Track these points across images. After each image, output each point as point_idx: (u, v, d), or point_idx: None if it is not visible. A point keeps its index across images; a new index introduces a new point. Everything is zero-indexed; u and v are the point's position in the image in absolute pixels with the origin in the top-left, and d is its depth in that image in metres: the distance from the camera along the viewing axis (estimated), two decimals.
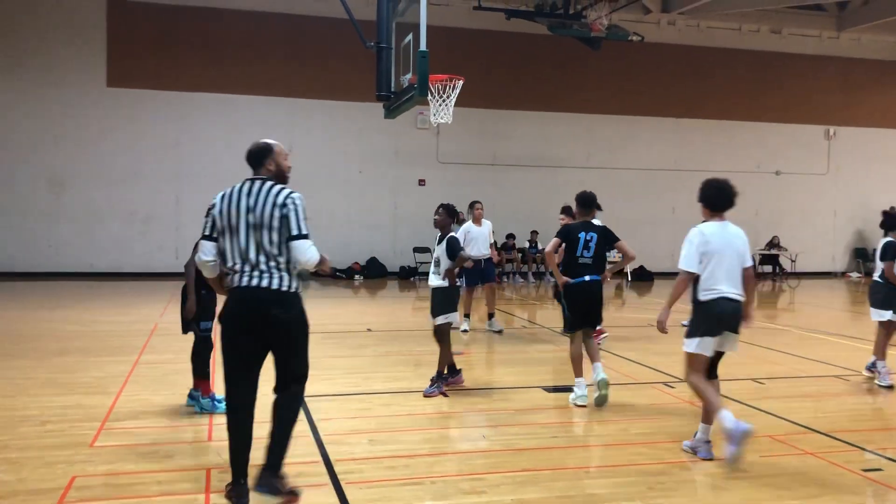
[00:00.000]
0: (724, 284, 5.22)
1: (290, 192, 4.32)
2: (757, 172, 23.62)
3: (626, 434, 5.98)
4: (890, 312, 7.86)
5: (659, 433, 6.01)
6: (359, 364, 8.63)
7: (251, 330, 4.28)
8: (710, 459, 5.28)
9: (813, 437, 5.94)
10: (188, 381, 6.82)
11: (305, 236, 4.28)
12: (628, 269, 21.44)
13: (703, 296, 5.24)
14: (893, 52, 24.48)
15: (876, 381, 7.95)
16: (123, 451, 5.33)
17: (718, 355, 5.42)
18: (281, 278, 4.28)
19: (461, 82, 10.01)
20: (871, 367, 8.15)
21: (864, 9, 22.69)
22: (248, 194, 4.34)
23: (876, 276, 8.04)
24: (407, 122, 19.27)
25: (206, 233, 4.42)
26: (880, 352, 7.96)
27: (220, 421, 6.05)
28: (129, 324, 11.47)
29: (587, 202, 7.16)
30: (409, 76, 8.50)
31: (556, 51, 20.57)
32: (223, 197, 4.40)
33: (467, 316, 11.26)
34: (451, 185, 20.67)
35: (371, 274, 20.39)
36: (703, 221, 5.47)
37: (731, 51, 23.08)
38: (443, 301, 7.16)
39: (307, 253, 4.27)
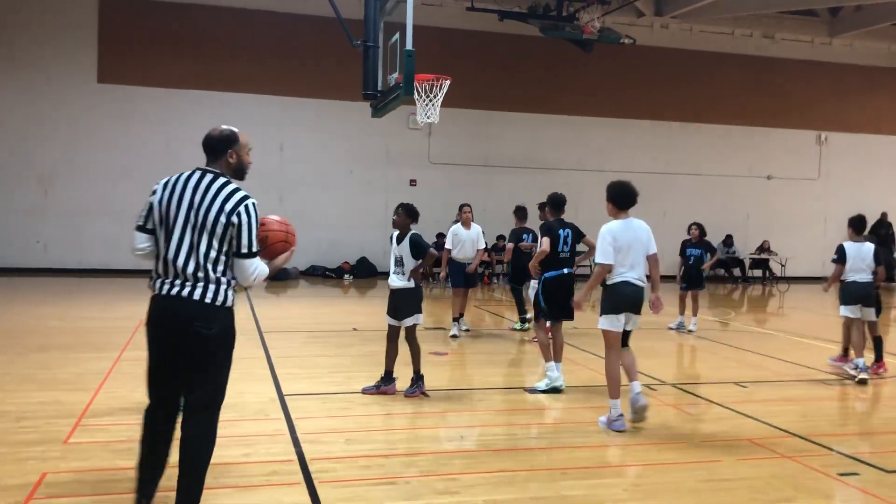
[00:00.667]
0: (628, 272, 6.14)
1: (244, 198, 3.80)
2: (748, 177, 23.66)
3: (606, 436, 5.96)
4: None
5: (638, 436, 5.99)
6: (342, 363, 8.59)
7: (170, 345, 3.84)
8: (623, 431, 5.99)
9: (792, 441, 5.93)
10: None
11: (254, 254, 3.83)
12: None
13: (610, 280, 6.19)
14: (885, 58, 24.55)
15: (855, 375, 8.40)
16: (97, 447, 5.29)
17: (627, 331, 6.29)
18: (209, 289, 3.77)
19: (448, 82, 9.99)
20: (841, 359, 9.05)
21: (857, 15, 22.74)
22: (196, 189, 3.82)
23: (856, 278, 8.83)
24: (398, 122, 19.25)
25: (140, 223, 3.90)
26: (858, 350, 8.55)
27: None
28: (114, 320, 11.41)
29: (560, 203, 7.81)
30: (395, 75, 8.47)
31: (549, 53, 20.56)
32: (166, 185, 3.88)
33: (460, 317, 10.90)
34: (443, 185, 20.67)
35: (361, 273, 20.35)
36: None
37: (724, 55, 23.11)
38: (409, 302, 6.99)
39: (253, 275, 3.86)
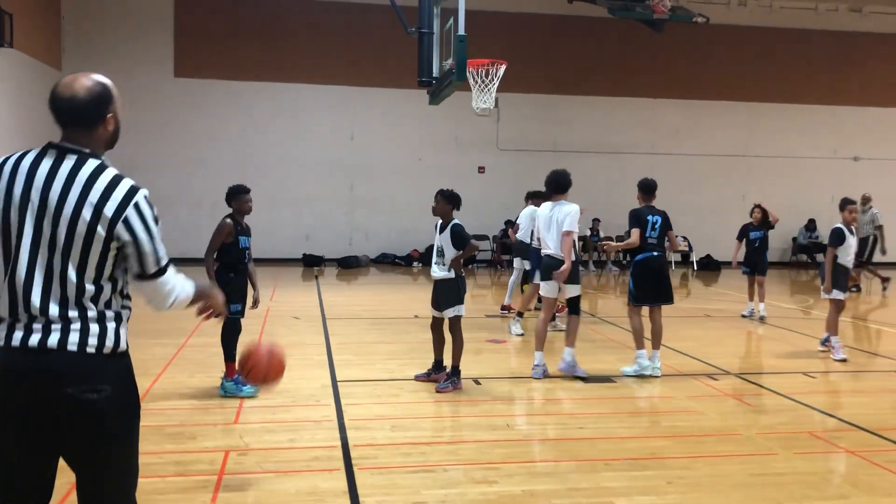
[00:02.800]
0: (548, 246, 7.38)
1: (132, 192, 2.48)
2: (833, 158, 22.61)
3: (656, 427, 5.81)
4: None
5: (691, 427, 5.81)
6: (398, 350, 8.63)
7: (31, 428, 2.45)
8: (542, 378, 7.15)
9: (857, 435, 5.64)
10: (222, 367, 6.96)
11: (164, 269, 2.58)
12: (694, 258, 20.91)
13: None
14: None
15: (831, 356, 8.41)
16: (149, 431, 5.43)
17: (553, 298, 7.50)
18: (88, 333, 2.48)
19: (503, 67, 9.83)
20: (825, 342, 8.73)
21: None
22: (51, 180, 2.44)
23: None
24: (466, 108, 19.10)
25: None
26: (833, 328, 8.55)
27: (249, 404, 6.17)
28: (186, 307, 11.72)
29: (651, 188, 7.84)
30: (449, 61, 8.41)
31: (619, 34, 20.08)
32: (0, 171, 2.49)
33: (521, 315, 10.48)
34: (511, 172, 20.48)
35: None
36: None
37: (807, 31, 22.09)
38: (450, 293, 6.86)
39: (169, 299, 2.63)
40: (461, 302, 6.85)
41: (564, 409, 6.35)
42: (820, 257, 22.20)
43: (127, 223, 2.47)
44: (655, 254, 7.59)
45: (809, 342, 9.71)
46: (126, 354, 2.65)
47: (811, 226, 22.04)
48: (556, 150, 20.96)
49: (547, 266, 7.38)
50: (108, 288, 2.54)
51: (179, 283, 2.66)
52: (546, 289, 7.47)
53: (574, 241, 7.37)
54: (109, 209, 2.44)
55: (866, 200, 17.21)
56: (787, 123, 22.22)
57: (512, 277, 11.62)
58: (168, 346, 8.45)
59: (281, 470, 4.70)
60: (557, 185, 7.52)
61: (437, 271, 6.96)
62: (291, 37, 19.78)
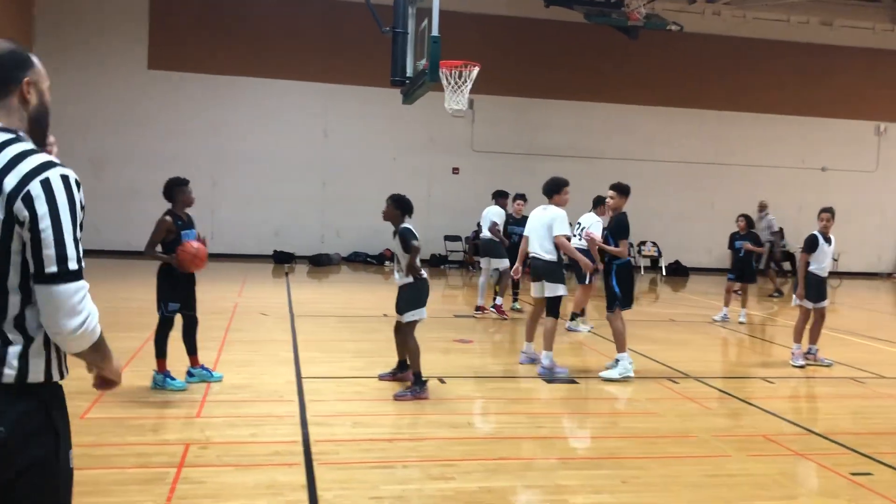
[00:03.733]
0: (534, 248, 7.78)
1: (46, 163, 2.04)
2: (802, 168, 22.99)
3: (614, 428, 5.91)
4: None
5: (648, 428, 5.92)
6: (366, 349, 8.65)
7: None
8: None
9: (809, 439, 5.79)
10: (186, 361, 6.98)
11: (71, 275, 1.99)
12: (663, 263, 21.14)
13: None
14: None
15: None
16: (112, 423, 5.45)
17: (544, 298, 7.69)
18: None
19: (476, 69, 9.91)
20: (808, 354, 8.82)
21: None
22: None
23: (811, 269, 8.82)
24: (441, 109, 19.21)
25: None
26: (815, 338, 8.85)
27: (213, 399, 6.18)
28: (154, 301, 11.66)
29: (628, 191, 8.01)
30: (423, 61, 8.47)
31: (595, 40, 20.25)
32: None
33: (581, 313, 10.59)
34: (486, 173, 20.56)
35: None
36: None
37: (778, 43, 22.44)
38: (407, 298, 6.72)
39: (72, 318, 2.00)
40: (420, 306, 6.68)
41: (525, 409, 6.43)
42: (787, 265, 22.60)
43: (28, 199, 1.95)
44: (631, 259, 8.04)
45: (771, 348, 9.91)
46: (55, 388, 2.11)
47: (780, 234, 22.38)
48: (530, 153, 21.11)
49: (533, 267, 7.85)
50: (15, 296, 1.99)
51: (95, 310, 2.06)
52: (533, 289, 7.93)
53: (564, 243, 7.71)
54: (10, 182, 1.96)
55: (763, 207, 17.66)
56: (757, 133, 22.54)
57: (482, 278, 11.73)
58: (134, 339, 8.41)
59: (241, 464, 4.73)
60: (548, 189, 8.04)
61: (397, 277, 6.89)
62: (267, 32, 19.71)
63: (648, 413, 6.41)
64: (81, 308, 2.01)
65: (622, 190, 7.88)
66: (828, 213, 8.95)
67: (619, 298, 7.67)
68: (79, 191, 2.08)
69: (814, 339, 8.86)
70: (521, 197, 12.22)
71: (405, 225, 6.74)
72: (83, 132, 19.17)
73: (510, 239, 11.53)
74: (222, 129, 19.75)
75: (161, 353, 6.45)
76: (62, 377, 2.14)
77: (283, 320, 10.25)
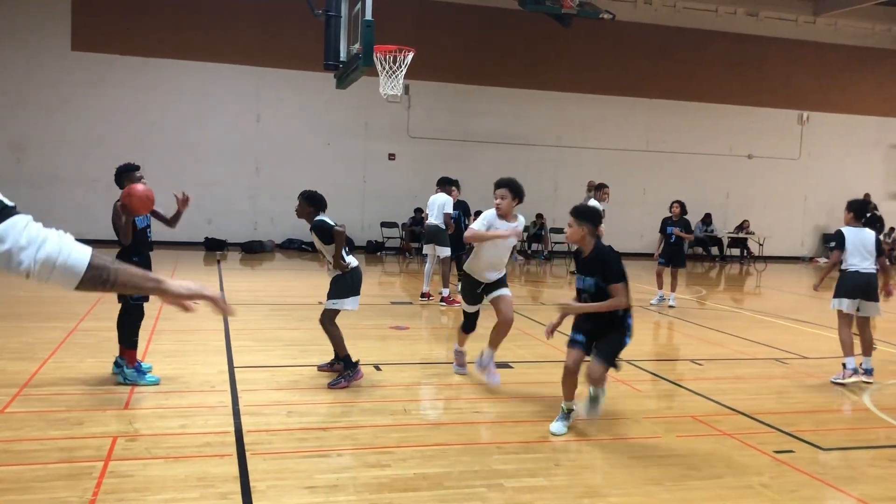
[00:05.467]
0: None
1: None
2: (729, 155, 23.65)
3: (549, 411, 5.95)
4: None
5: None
6: (300, 337, 8.56)
7: None
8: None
9: (735, 419, 5.95)
10: (115, 351, 6.74)
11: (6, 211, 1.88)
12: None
13: None
14: (868, 38, 24.48)
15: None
16: (33, 417, 5.26)
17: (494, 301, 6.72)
18: None
19: (411, 54, 9.86)
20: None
21: None
22: None
23: (858, 267, 7.37)
24: (377, 95, 19.08)
25: None
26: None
27: (141, 390, 6.02)
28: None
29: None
30: (357, 46, 8.37)
31: (529, 27, 20.39)
32: None
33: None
34: (422, 160, 20.57)
35: None
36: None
37: (707, 32, 22.98)
38: (336, 286, 6.56)
39: (33, 249, 1.94)
40: (345, 296, 6.53)
41: (462, 394, 6.46)
42: (715, 250, 23.24)
43: None
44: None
45: (700, 331, 10.16)
46: None
47: (707, 220, 22.97)
48: (465, 140, 21.16)
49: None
50: None
51: (60, 240, 2.01)
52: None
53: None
54: None
55: (591, 188, 18.11)
56: (686, 120, 23.07)
57: (427, 265, 11.71)
58: (57, 329, 8.15)
59: (171, 456, 4.62)
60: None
61: (329, 271, 6.76)
62: (196, 13, 19.24)
63: (581, 396, 6.50)
64: (36, 237, 1.98)
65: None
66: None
67: None
68: None
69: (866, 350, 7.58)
70: (455, 184, 12.18)
71: (319, 217, 6.59)
72: (2, 116, 18.44)
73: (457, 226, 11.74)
74: (150, 113, 19.24)
75: (131, 343, 6.19)
76: None
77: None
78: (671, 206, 12.53)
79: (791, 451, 5.16)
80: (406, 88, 20.08)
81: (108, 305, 9.83)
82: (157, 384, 6.13)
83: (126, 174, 6.38)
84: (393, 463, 4.64)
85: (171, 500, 3.99)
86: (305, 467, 4.51)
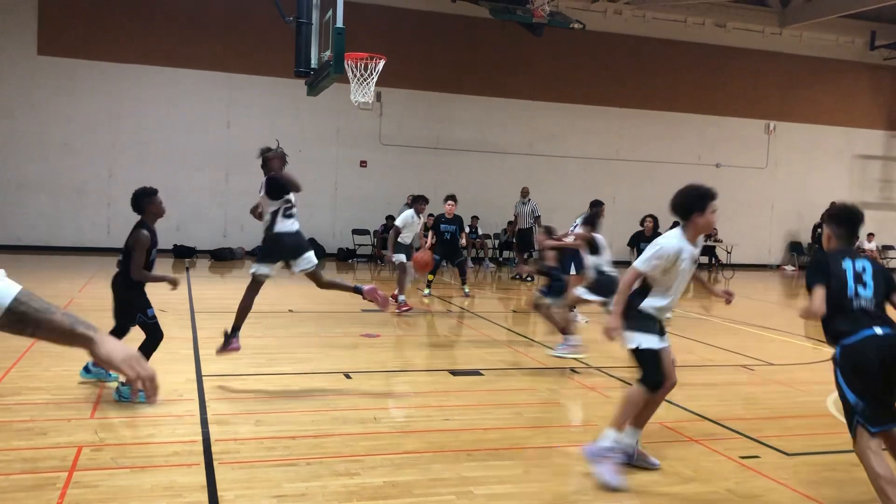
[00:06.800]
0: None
1: None
2: (698, 164, 23.89)
3: (518, 418, 5.99)
4: None
5: (552, 418, 6.03)
6: (269, 345, 8.52)
7: None
8: None
9: (702, 425, 6.02)
10: (87, 357, 6.64)
11: None
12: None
13: None
14: (833, 49, 24.93)
15: None
16: None
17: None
18: None
19: (382, 62, 9.86)
20: None
21: (807, 6, 23.06)
22: None
23: None
24: (349, 102, 19.06)
25: None
26: None
27: (108, 398, 5.94)
28: (48, 298, 11.12)
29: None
30: (328, 53, 8.36)
31: (501, 36, 20.49)
32: None
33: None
34: (394, 167, 20.57)
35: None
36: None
37: (676, 43, 23.26)
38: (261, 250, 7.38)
39: None
40: (259, 261, 7.22)
41: (432, 402, 6.46)
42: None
43: None
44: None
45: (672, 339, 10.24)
46: None
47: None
48: (437, 147, 21.21)
49: None
50: None
51: None
52: None
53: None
54: None
55: (525, 193, 18.37)
56: (655, 130, 23.32)
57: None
58: (21, 338, 8.00)
59: (137, 465, 4.56)
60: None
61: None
62: (166, 18, 19.09)
63: (552, 403, 6.55)
64: None
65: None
66: None
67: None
68: None
69: None
70: (452, 198, 13.22)
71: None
72: None
73: (442, 237, 13.09)
74: (118, 118, 19.04)
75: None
76: None
77: (184, 316, 9.97)
78: (643, 220, 12.15)
79: (757, 457, 5.23)
80: (378, 96, 20.11)
81: (75, 314, 9.71)
82: (153, 404, 5.94)
83: (146, 198, 6.34)
84: (362, 471, 4.63)
85: None
86: (274, 476, 4.49)
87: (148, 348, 6.21)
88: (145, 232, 6.26)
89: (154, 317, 6.26)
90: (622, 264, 13.85)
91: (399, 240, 11.56)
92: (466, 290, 13.71)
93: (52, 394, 6.04)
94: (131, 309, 6.21)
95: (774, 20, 24.02)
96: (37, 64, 18.39)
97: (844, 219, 4.41)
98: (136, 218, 6.54)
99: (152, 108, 19.18)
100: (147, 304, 6.27)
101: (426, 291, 13.22)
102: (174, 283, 6.34)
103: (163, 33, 19.03)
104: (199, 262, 18.13)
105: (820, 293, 4.09)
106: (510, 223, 21.36)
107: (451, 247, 13.17)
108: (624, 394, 5.06)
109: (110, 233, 18.57)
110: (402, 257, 11.37)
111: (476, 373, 7.44)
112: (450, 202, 13.11)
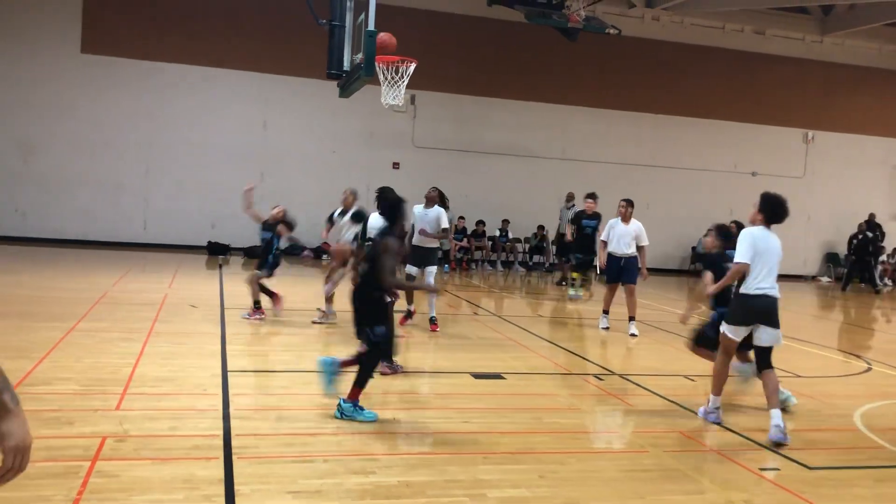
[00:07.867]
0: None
1: None
2: (733, 172, 23.63)
3: (537, 423, 5.99)
4: None
5: (571, 423, 6.03)
6: (297, 342, 8.63)
7: None
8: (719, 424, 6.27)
9: (724, 435, 5.97)
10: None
11: None
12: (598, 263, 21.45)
13: None
14: (875, 58, 24.47)
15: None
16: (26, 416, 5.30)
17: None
18: None
19: (413, 65, 9.91)
20: None
21: (850, 13, 22.67)
22: None
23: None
24: (381, 103, 19.20)
25: None
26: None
27: (134, 390, 6.07)
28: (80, 291, 11.39)
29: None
30: (359, 55, 8.44)
31: (536, 40, 20.44)
32: None
33: (605, 312, 11.25)
34: (426, 169, 20.61)
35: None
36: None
37: (714, 49, 23.02)
38: None
39: None
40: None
41: (452, 404, 6.49)
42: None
43: None
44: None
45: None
46: None
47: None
48: (470, 150, 21.24)
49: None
50: None
51: None
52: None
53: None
54: None
55: (571, 198, 18.35)
56: (691, 136, 23.09)
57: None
58: (55, 329, 8.20)
59: (158, 457, 4.66)
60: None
61: None
62: (206, 19, 19.38)
63: (572, 409, 6.54)
64: None
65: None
66: None
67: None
68: None
69: None
70: (592, 196, 13.97)
71: None
72: (12, 116, 18.62)
73: (583, 231, 14.17)
74: (157, 116, 19.36)
75: (363, 383, 5.78)
76: None
77: (214, 312, 10.11)
78: (707, 234, 11.60)
79: (777, 469, 5.18)
80: (412, 98, 20.22)
81: (108, 307, 9.93)
82: (375, 421, 5.69)
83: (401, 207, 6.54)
84: (378, 470, 4.67)
85: (155, 501, 4.04)
86: (290, 472, 4.55)
87: (370, 365, 5.90)
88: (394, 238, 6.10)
89: (380, 336, 5.82)
90: (666, 273, 13.75)
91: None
92: (572, 293, 14.78)
93: (81, 385, 6.17)
94: (367, 322, 5.86)
95: (815, 28, 23.65)
96: (80, 62, 18.78)
97: None
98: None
99: (190, 107, 19.47)
100: (378, 320, 5.83)
101: (577, 293, 14.82)
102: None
103: (201, 33, 19.31)
104: (233, 259, 18.36)
105: None
106: (540, 227, 21.32)
107: (591, 243, 14.04)
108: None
109: (146, 227, 18.90)
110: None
111: (498, 376, 7.46)
112: (590, 200, 13.89)
